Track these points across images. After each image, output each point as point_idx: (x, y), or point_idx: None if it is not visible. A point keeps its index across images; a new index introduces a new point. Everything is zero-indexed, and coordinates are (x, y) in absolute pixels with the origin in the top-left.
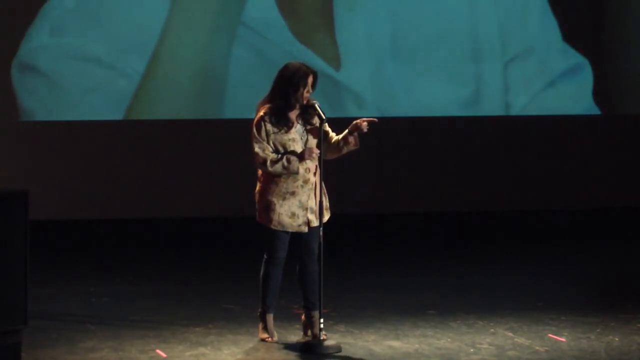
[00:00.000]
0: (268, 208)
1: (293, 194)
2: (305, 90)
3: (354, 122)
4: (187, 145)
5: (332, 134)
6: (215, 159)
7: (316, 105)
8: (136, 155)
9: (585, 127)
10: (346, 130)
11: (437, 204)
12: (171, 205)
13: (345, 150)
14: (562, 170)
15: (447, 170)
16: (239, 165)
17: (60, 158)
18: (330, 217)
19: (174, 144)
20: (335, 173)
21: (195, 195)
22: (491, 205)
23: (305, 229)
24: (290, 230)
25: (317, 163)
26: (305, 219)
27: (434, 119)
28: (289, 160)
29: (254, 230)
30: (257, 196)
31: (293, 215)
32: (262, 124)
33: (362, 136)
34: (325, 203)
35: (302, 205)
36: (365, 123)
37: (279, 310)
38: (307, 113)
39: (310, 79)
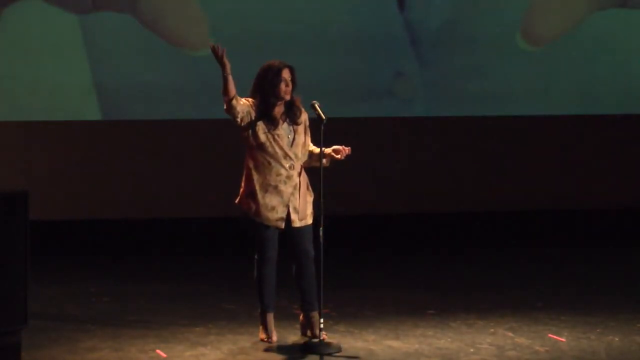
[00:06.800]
0: (250, 196)
1: (276, 188)
2: (284, 85)
3: (336, 148)
4: (187, 145)
5: (312, 146)
6: (215, 159)
7: (316, 106)
8: (136, 155)
9: (585, 127)
10: (322, 149)
11: (437, 204)
12: (171, 205)
13: (313, 165)
14: (562, 170)
15: (447, 170)
16: (239, 165)
17: (60, 158)
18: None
19: (174, 144)
20: (335, 173)
21: (195, 195)
22: (491, 205)
23: (282, 226)
24: (267, 223)
25: (302, 164)
26: (284, 215)
27: (433, 119)
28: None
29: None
30: (243, 181)
31: (273, 209)
32: (252, 104)
33: (362, 136)
34: (309, 209)
35: (284, 201)
36: (341, 156)
37: (279, 310)
38: (291, 111)
39: (285, 73)
